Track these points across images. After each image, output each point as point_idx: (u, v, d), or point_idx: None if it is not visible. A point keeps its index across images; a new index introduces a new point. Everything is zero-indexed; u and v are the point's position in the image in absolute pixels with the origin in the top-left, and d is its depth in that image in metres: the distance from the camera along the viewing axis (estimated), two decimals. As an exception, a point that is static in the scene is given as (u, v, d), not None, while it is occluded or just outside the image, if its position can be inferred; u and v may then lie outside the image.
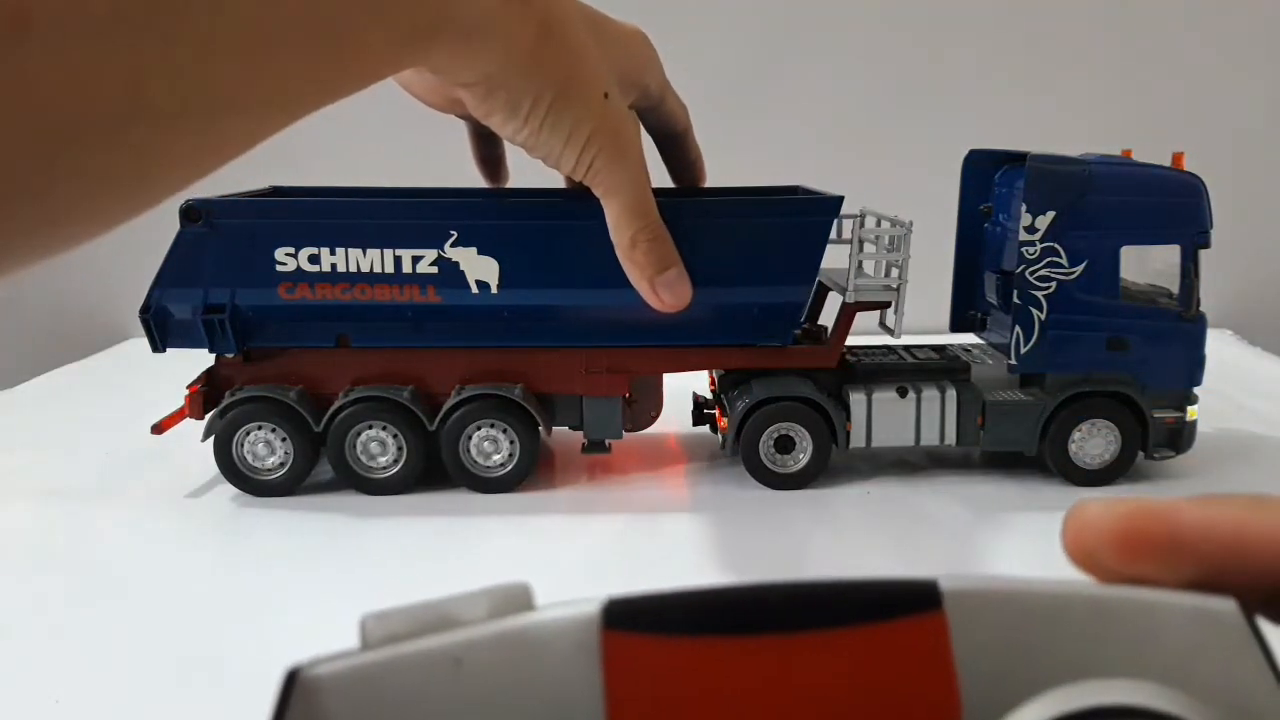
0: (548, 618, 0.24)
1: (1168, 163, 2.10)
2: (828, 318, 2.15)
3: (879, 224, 2.09)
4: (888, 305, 2.08)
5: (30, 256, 0.56)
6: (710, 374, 2.22)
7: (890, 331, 2.09)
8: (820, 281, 2.09)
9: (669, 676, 0.23)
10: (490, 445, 2.01)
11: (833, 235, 1.99)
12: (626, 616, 0.23)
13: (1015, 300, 2.05)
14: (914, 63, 3.19)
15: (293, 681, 0.24)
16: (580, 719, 0.23)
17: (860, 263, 2.07)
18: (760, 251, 1.90)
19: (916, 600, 0.24)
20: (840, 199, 1.95)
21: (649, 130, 1.45)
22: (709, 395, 2.24)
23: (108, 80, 0.45)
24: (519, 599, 0.25)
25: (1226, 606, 0.25)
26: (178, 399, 2.05)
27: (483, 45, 0.88)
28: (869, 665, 0.23)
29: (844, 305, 2.05)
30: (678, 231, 1.79)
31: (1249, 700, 0.24)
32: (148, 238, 2.09)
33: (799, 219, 1.95)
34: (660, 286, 1.47)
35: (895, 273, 2.07)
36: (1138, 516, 0.27)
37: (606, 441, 2.07)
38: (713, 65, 3.09)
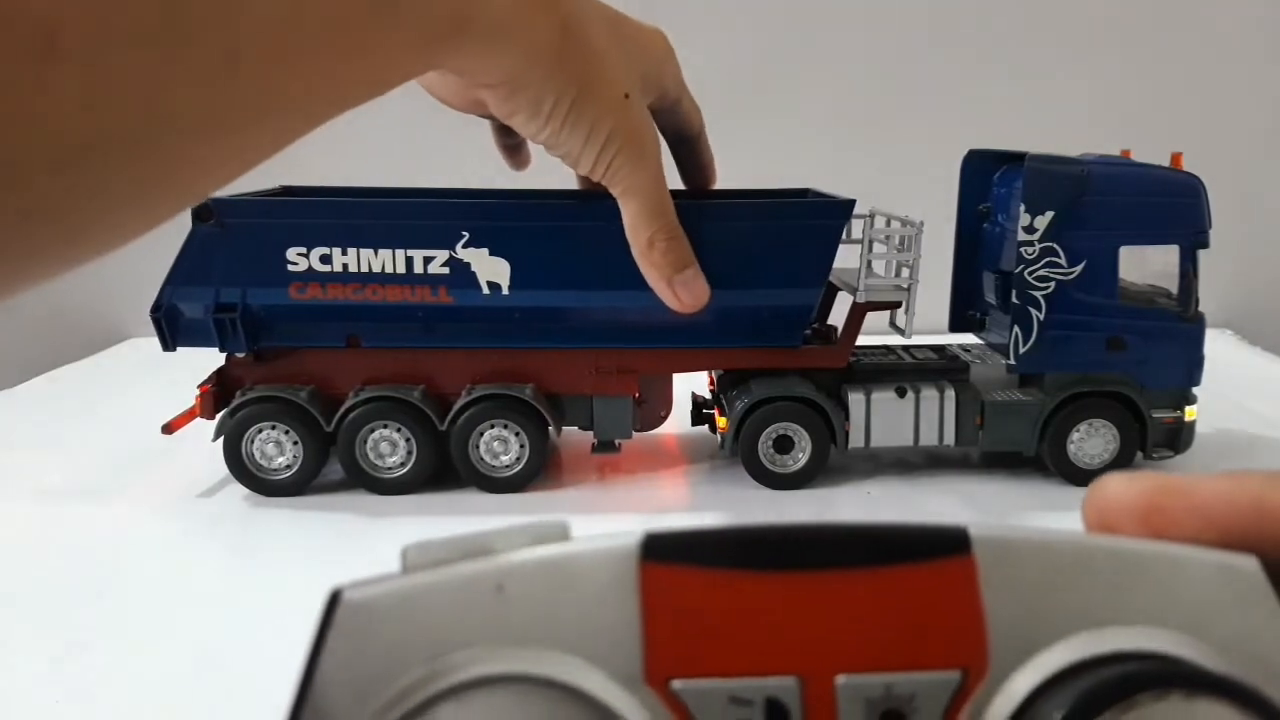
0: (587, 548, 0.25)
1: (1167, 163, 2.12)
2: (837, 318, 2.16)
3: (889, 224, 2.10)
4: (898, 305, 2.09)
5: (51, 272, 0.55)
6: (709, 374, 2.23)
7: (901, 331, 2.10)
8: (830, 281, 2.10)
9: (704, 605, 0.24)
10: (500, 445, 2.02)
11: (844, 235, 2.00)
12: (664, 549, 0.24)
13: (1014, 300, 2.07)
14: (914, 63, 3.20)
15: (335, 602, 0.25)
16: (618, 644, 0.24)
17: (870, 263, 2.09)
18: (771, 254, 1.92)
19: (946, 544, 0.24)
20: (852, 202, 1.96)
21: (663, 131, 1.47)
22: (708, 395, 2.25)
23: (133, 96, 0.45)
24: (557, 534, 0.26)
25: (1248, 563, 0.26)
26: (179, 399, 2.06)
27: (505, 46, 0.89)
28: (899, 603, 0.24)
29: (854, 305, 2.06)
30: (690, 234, 1.81)
31: (1267, 652, 0.25)
32: (150, 238, 2.10)
33: (810, 222, 1.96)
34: (678, 286, 1.48)
35: (906, 272, 2.08)
36: (1159, 489, 0.28)
37: (616, 441, 2.08)
38: (716, 66, 3.10)
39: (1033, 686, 0.24)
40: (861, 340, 2.21)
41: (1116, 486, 0.29)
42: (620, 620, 0.24)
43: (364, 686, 0.24)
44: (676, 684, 0.24)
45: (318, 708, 0.25)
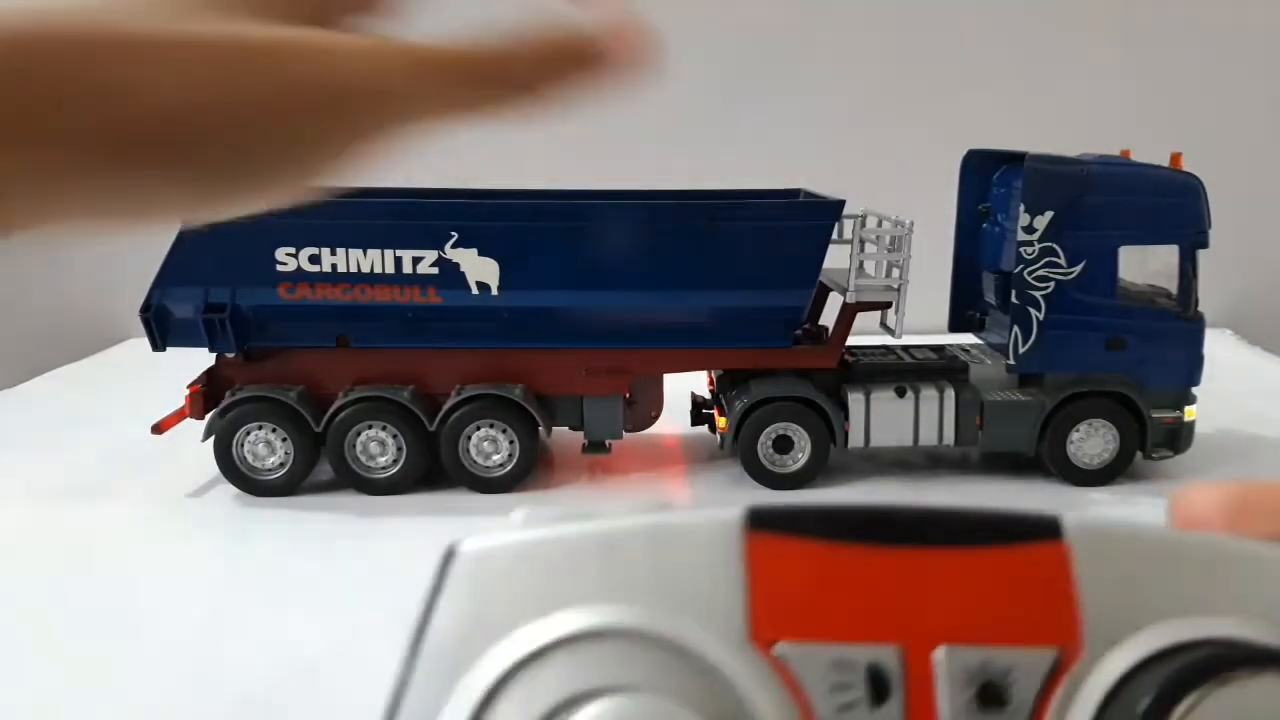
0: (696, 516, 0.26)
1: (1167, 163, 2.11)
2: (828, 318, 2.15)
3: (880, 224, 2.09)
4: (888, 305, 2.08)
5: None
6: (709, 374, 2.23)
7: (891, 331, 2.09)
8: (821, 282, 2.09)
9: (808, 574, 0.25)
10: (490, 445, 2.01)
11: (834, 236, 1.99)
12: (769, 520, 0.25)
13: (1013, 300, 2.06)
14: (914, 63, 3.19)
15: (452, 555, 0.26)
16: (723, 607, 0.25)
17: (861, 263, 2.08)
18: (762, 255, 1.91)
19: (1040, 530, 0.26)
20: (842, 203, 1.95)
21: None
22: (708, 395, 2.24)
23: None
24: (662, 508, 0.26)
25: None
26: (177, 399, 2.06)
27: None
28: (994, 583, 0.25)
29: (845, 305, 2.05)
30: (681, 235, 1.80)
31: None
32: (148, 239, 2.10)
33: (800, 223, 1.95)
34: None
35: (896, 273, 2.07)
36: (1242, 492, 0.29)
37: (607, 442, 2.08)
38: (715, 66, 3.09)
39: (1129, 666, 0.25)
40: (862, 340, 2.19)
41: (1202, 491, 0.30)
42: (726, 584, 0.25)
43: (477, 635, 0.26)
44: (781, 646, 0.25)
45: (433, 655, 0.26)
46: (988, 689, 0.24)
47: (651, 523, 0.26)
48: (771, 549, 0.25)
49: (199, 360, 2.03)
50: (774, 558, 0.25)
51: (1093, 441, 2.10)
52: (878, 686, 0.24)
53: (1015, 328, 2.06)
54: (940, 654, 0.25)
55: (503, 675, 0.24)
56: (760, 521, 0.25)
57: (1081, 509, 1.87)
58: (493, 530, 0.25)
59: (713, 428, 2.17)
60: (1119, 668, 0.25)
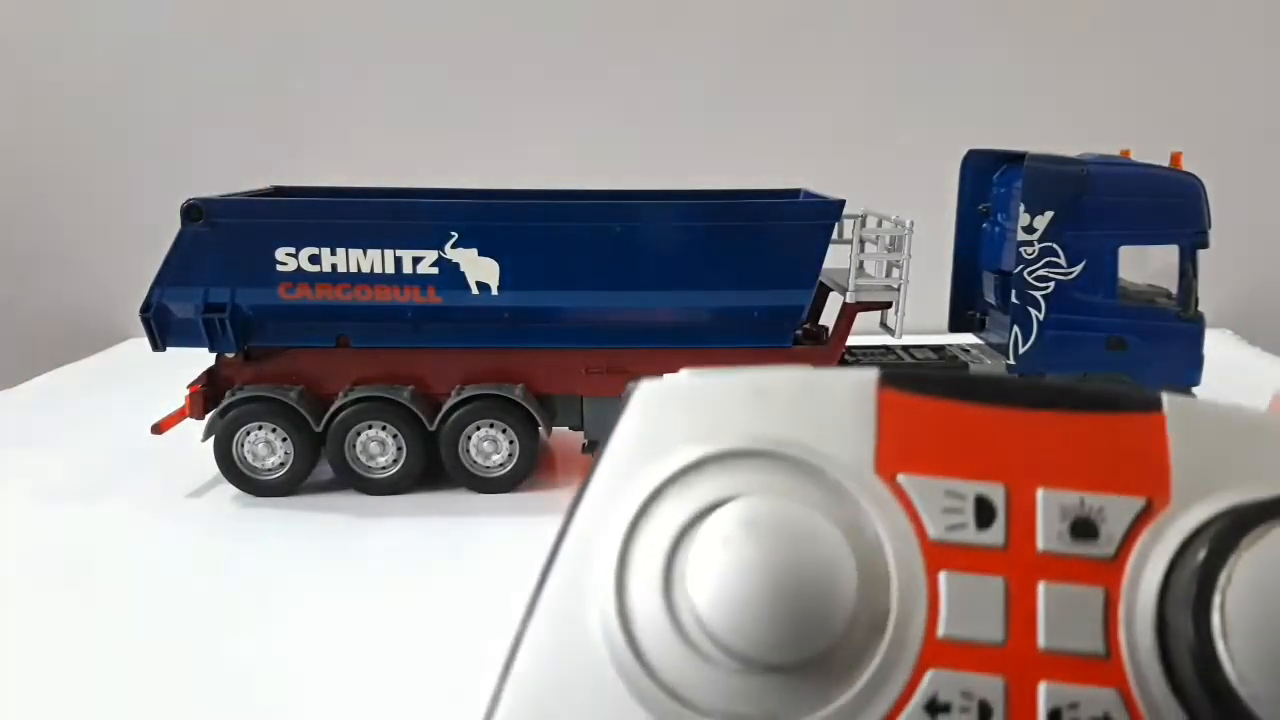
0: (838, 372, 0.30)
1: (1167, 163, 2.11)
2: (829, 318, 2.15)
3: (880, 224, 2.09)
4: (888, 305, 2.08)
5: None
6: (709, 374, 2.22)
7: (891, 331, 2.09)
8: (821, 282, 2.09)
9: (929, 423, 0.29)
10: (490, 445, 2.01)
11: (834, 235, 1.99)
12: (899, 380, 0.30)
13: (1013, 300, 2.06)
14: (914, 63, 3.19)
15: (633, 389, 0.31)
16: (855, 443, 0.29)
17: (861, 263, 2.08)
18: (761, 255, 1.90)
19: (1142, 402, 0.29)
20: (842, 203, 1.95)
21: None
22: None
23: None
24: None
25: None
26: (177, 399, 2.06)
27: None
28: (1096, 441, 0.28)
29: (845, 305, 2.05)
30: (679, 235, 1.80)
31: None
32: (147, 239, 2.10)
33: (800, 223, 1.95)
34: None
35: (896, 273, 2.07)
36: None
37: (607, 441, 2.07)
38: (715, 66, 3.09)
39: (1210, 515, 0.28)
40: (862, 340, 2.19)
41: None
42: (858, 425, 0.29)
43: (648, 448, 0.30)
44: (901, 477, 0.29)
45: (613, 465, 0.30)
46: (1082, 523, 0.28)
47: (796, 375, 0.30)
48: (899, 401, 0.29)
49: (199, 360, 2.03)
50: (900, 407, 0.29)
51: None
52: (983, 513, 0.28)
53: (1015, 328, 2.06)
54: (1041, 492, 0.28)
55: (667, 479, 0.28)
56: (890, 380, 0.29)
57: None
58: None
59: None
60: (1201, 516, 0.28)
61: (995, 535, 0.27)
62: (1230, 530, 0.26)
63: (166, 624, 1.50)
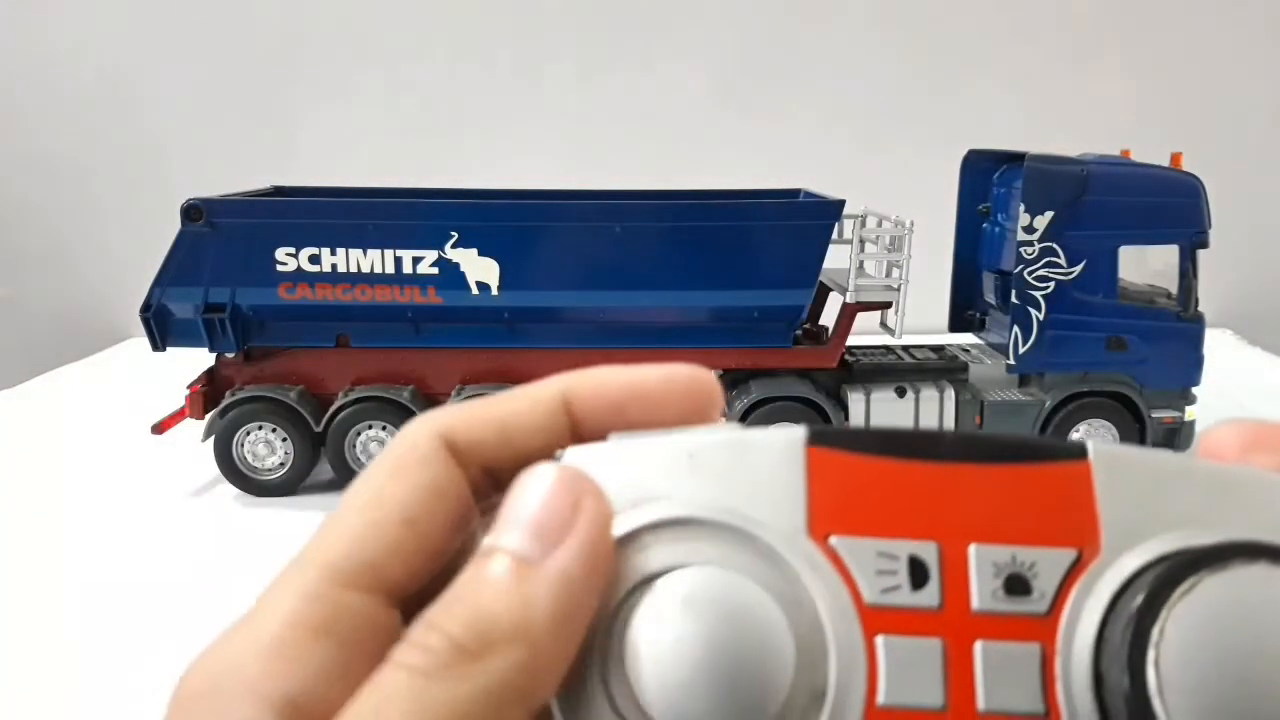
0: (766, 432, 0.29)
1: (1167, 163, 2.11)
2: (828, 318, 2.15)
3: (880, 224, 2.09)
4: (888, 305, 2.08)
5: None
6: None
7: (891, 331, 2.09)
8: (821, 282, 2.10)
9: (859, 481, 0.29)
10: (490, 445, 2.01)
11: (834, 235, 1.99)
12: (827, 437, 0.29)
13: (1013, 300, 2.06)
14: (914, 63, 3.19)
15: (557, 460, 0.30)
16: (786, 505, 0.29)
17: (861, 263, 2.08)
18: (762, 255, 1.91)
19: (1067, 451, 0.28)
20: (842, 203, 1.96)
21: None
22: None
23: None
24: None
25: None
26: (177, 399, 2.06)
27: None
28: (1025, 493, 0.28)
29: (844, 305, 2.05)
30: (680, 235, 1.80)
31: None
32: (147, 239, 2.10)
33: (800, 223, 1.95)
34: None
35: (896, 273, 2.07)
36: (1256, 428, 0.33)
37: (607, 442, 2.07)
38: (716, 66, 3.09)
39: (1140, 565, 0.28)
40: (862, 340, 2.19)
41: (1222, 428, 0.33)
42: (789, 486, 0.29)
43: None
44: (834, 539, 0.29)
45: None
46: (1014, 579, 0.28)
47: (726, 437, 0.30)
48: (828, 459, 0.29)
49: (199, 360, 2.03)
50: (830, 466, 0.29)
51: (1093, 441, 2.10)
52: (917, 574, 0.28)
53: (1015, 327, 2.06)
54: (973, 548, 0.28)
55: None
56: (819, 438, 0.29)
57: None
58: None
59: (712, 428, 2.16)
60: (1131, 566, 0.28)
61: (930, 596, 0.28)
62: (1161, 583, 0.26)
63: (166, 624, 1.50)
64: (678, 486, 0.29)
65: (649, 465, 0.29)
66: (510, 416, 0.30)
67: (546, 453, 0.30)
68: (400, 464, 0.29)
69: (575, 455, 0.29)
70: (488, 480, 0.30)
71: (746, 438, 0.30)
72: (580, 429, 0.31)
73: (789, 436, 0.29)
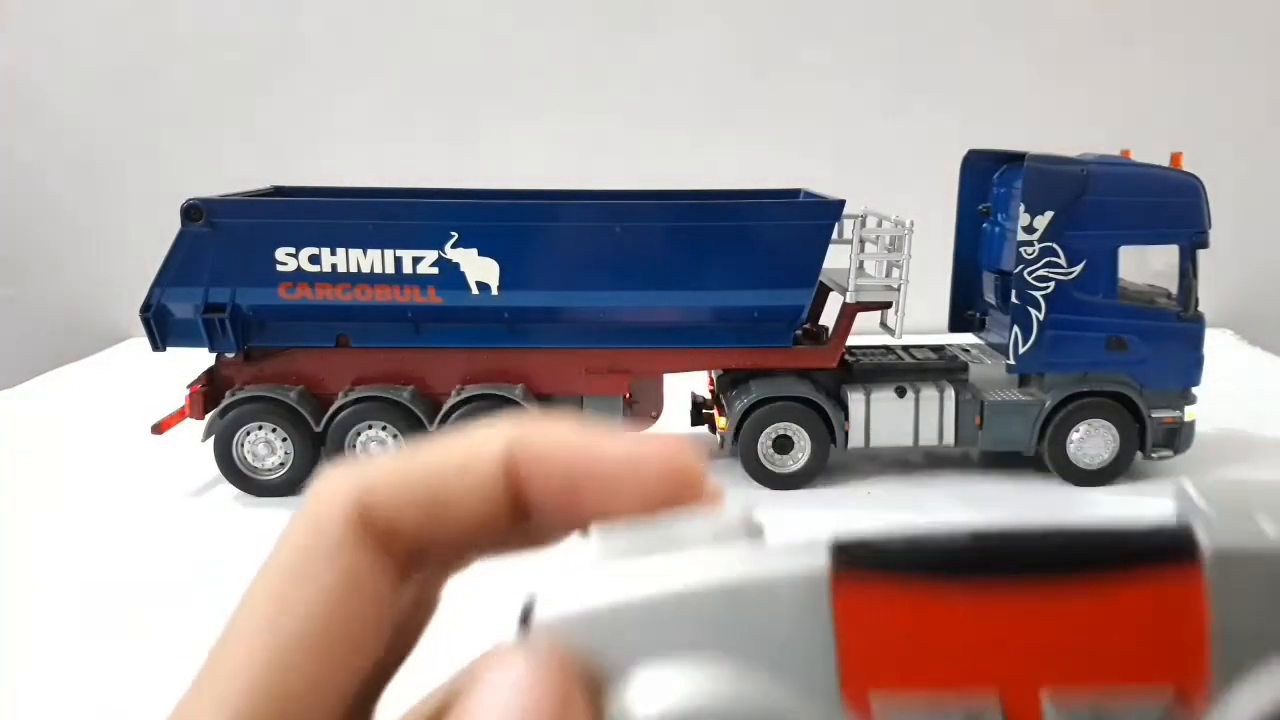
0: (777, 566, 0.23)
1: (1167, 163, 2.11)
2: (828, 318, 2.15)
3: (880, 224, 2.09)
4: (888, 305, 2.09)
5: None
6: (709, 374, 2.23)
7: (891, 331, 2.09)
8: (821, 282, 2.10)
9: (899, 618, 0.22)
10: (490, 445, 2.01)
11: (834, 235, 1.99)
12: (854, 558, 0.22)
13: (1013, 300, 2.05)
14: (915, 63, 3.19)
15: (527, 623, 0.23)
16: (813, 659, 0.22)
17: (861, 263, 2.08)
18: (761, 255, 1.91)
19: (1168, 549, 0.21)
20: (842, 203, 1.96)
21: None
22: (708, 395, 2.24)
23: None
24: (746, 532, 0.24)
25: None
26: (177, 399, 2.06)
27: None
28: (1110, 614, 0.22)
29: (845, 305, 2.05)
30: (680, 235, 1.80)
31: None
32: (147, 239, 2.10)
33: (800, 223, 1.95)
34: None
35: (896, 273, 2.07)
36: None
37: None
38: (716, 67, 3.09)
39: (1266, 712, 0.21)
40: (862, 340, 2.19)
41: None
42: (813, 637, 0.23)
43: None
44: (874, 697, 0.22)
45: None
46: None
47: (730, 579, 0.23)
48: (859, 593, 0.22)
49: (199, 360, 2.03)
50: (862, 602, 0.22)
51: (1093, 441, 2.10)
52: None
53: (1015, 328, 2.06)
54: (1045, 696, 0.22)
55: None
56: (844, 562, 0.22)
57: (1087, 509, 1.87)
58: (562, 575, 0.23)
59: (713, 428, 2.17)
60: (1252, 711, 0.21)
61: None
62: None
63: (166, 624, 1.50)
64: (688, 662, 0.23)
65: (638, 629, 0.23)
66: (440, 487, 0.24)
67: (482, 533, 0.25)
68: (306, 557, 0.23)
69: (547, 615, 0.22)
70: (412, 558, 0.24)
71: (758, 573, 0.23)
72: (522, 503, 0.25)
73: (809, 571, 0.23)
